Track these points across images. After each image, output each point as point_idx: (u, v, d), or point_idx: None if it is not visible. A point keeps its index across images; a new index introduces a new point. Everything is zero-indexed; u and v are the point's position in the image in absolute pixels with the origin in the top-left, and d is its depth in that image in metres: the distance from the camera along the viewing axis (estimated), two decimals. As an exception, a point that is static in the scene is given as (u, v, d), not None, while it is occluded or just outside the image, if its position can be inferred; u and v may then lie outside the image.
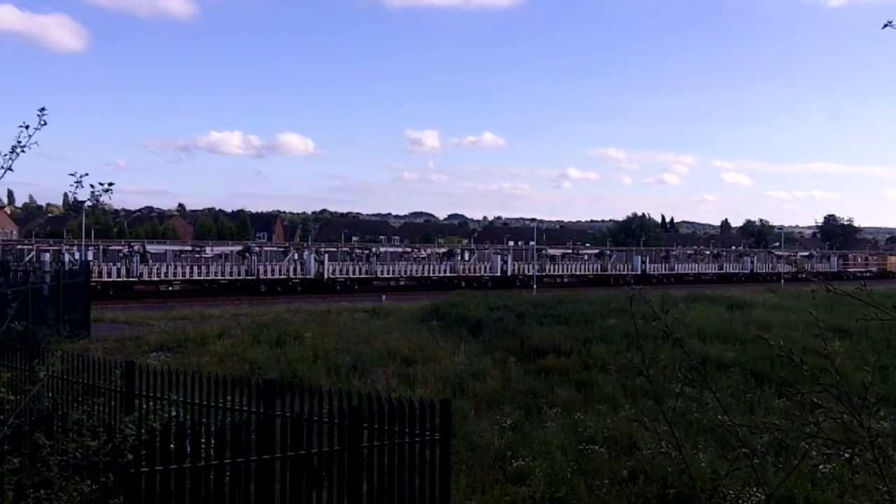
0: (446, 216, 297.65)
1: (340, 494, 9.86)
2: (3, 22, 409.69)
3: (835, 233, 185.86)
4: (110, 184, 6.93)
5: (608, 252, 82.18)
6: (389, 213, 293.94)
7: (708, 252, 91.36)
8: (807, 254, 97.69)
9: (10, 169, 6.65)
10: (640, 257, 79.38)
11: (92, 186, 6.86)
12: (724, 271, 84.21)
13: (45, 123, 6.63)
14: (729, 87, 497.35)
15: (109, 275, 51.75)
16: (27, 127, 6.59)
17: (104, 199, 6.98)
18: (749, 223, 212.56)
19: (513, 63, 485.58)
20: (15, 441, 8.00)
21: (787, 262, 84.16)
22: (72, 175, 6.79)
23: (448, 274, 65.79)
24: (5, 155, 6.62)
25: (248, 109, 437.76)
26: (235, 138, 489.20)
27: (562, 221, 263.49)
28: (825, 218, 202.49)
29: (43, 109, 6.67)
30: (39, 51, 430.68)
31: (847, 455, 4.96)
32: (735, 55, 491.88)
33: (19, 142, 6.58)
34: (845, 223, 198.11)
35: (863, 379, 4.95)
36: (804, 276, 57.92)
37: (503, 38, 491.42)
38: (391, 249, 73.82)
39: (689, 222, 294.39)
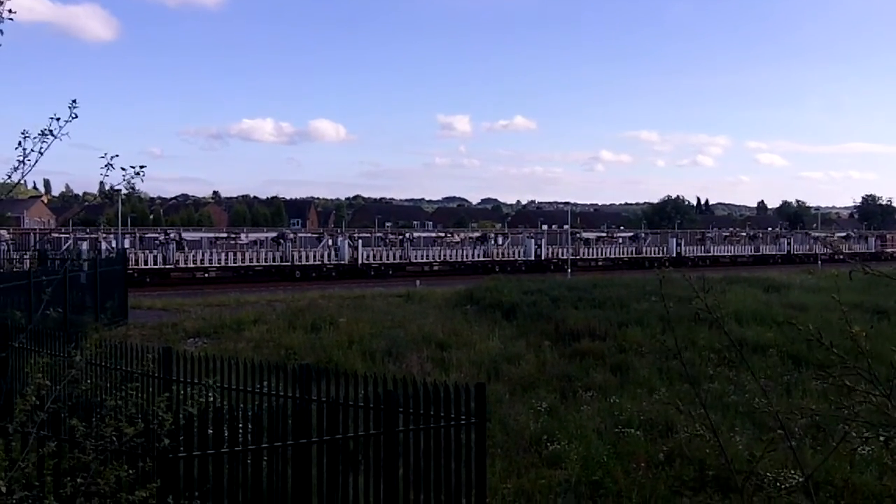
0: (479, 201, 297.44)
1: (377, 478, 9.90)
2: (34, 13, 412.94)
3: (873, 213, 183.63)
4: (142, 166, 6.96)
5: (643, 235, 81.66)
6: (422, 199, 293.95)
7: (744, 234, 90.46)
8: (844, 234, 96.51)
9: (41, 153, 6.71)
10: (675, 240, 78.69)
11: (123, 169, 6.90)
12: (760, 253, 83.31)
13: (76, 116, 6.67)
14: (762, 66, 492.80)
15: (146, 262, 52.14)
16: (58, 119, 6.64)
17: (136, 182, 7.02)
18: (786, 204, 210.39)
19: (543, 46, 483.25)
20: (54, 426, 8.09)
21: (823, 243, 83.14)
22: (102, 157, 6.83)
23: (482, 258, 65.66)
24: (34, 138, 6.68)
25: (279, 97, 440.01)
26: (268, 125, 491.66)
27: (596, 204, 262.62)
28: (863, 198, 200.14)
29: (74, 101, 6.71)
30: (71, 41, 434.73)
31: (884, 437, 4.91)
32: (768, 34, 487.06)
33: (50, 131, 6.63)
34: (884, 203, 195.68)
35: (892, 360, 4.88)
36: (841, 257, 57.19)
37: (533, 20, 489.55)
38: (424, 234, 73.77)
39: (724, 204, 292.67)
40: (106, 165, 6.83)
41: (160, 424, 7.72)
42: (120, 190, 7.41)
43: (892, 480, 10.70)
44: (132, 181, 7.00)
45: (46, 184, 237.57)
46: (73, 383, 8.32)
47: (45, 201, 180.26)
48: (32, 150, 6.72)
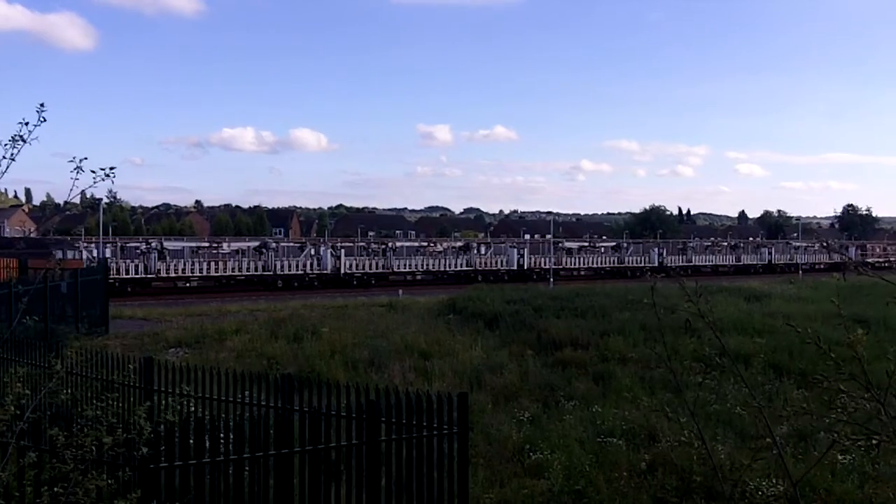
0: (462, 210, 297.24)
1: (359, 488, 9.86)
2: (11, 21, 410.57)
3: (853, 223, 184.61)
4: (112, 168, 6.93)
5: (625, 244, 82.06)
6: (405, 208, 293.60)
7: (725, 243, 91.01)
8: (824, 245, 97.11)
9: (13, 159, 6.67)
10: (657, 249, 79.17)
11: (93, 172, 6.85)
12: (741, 263, 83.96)
13: (45, 120, 6.64)
14: (739, 76, 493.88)
15: (127, 272, 51.99)
16: (26, 123, 6.61)
17: (108, 185, 6.97)
18: (766, 214, 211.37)
19: (522, 56, 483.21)
20: (34, 436, 8.03)
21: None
22: (71, 161, 6.78)
23: (464, 268, 65.82)
24: (6, 144, 6.64)
25: (259, 105, 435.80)
26: (248, 134, 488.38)
27: (578, 214, 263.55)
28: (844, 208, 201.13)
29: (42, 105, 6.69)
30: (49, 50, 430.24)
31: (874, 441, 4.93)
32: (745, 44, 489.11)
33: (21, 136, 6.60)
34: (863, 213, 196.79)
35: (885, 369, 4.91)
36: (822, 266, 57.47)
37: (511, 30, 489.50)
38: (407, 244, 73.85)
39: (706, 214, 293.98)
40: (75, 168, 6.78)
41: (140, 434, 7.66)
42: (101, 199, 7.39)
43: (873, 489, 10.74)
44: (109, 186, 6.95)
45: (27, 193, 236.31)
46: (53, 393, 8.26)
47: (27, 210, 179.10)
48: (4, 158, 6.69)
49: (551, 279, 60.42)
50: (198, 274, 54.97)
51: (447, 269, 65.36)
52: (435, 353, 22.51)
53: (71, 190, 6.91)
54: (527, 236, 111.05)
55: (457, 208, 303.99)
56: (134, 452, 7.83)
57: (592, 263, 73.75)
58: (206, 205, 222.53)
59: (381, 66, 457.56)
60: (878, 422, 5.02)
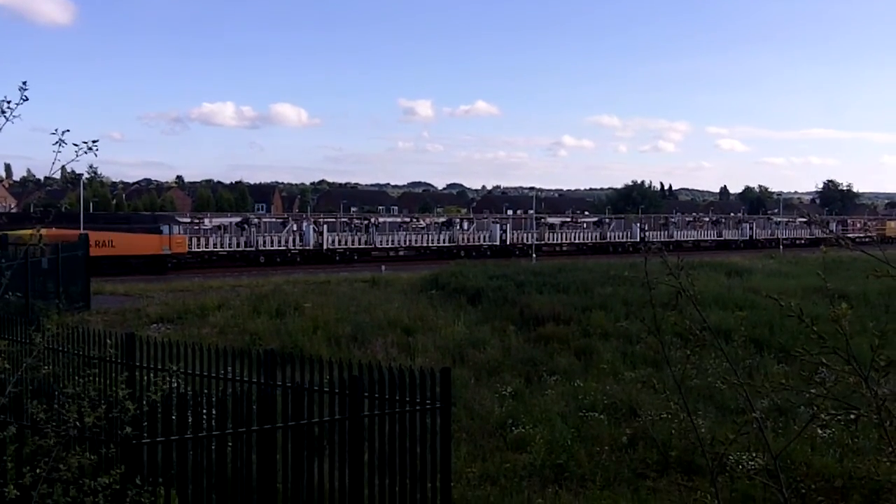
0: (445, 186, 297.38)
1: (342, 463, 9.88)
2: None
3: (834, 198, 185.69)
4: (94, 141, 6.86)
5: (607, 220, 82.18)
6: (388, 183, 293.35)
7: (707, 219, 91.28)
8: (805, 219, 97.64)
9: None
10: (638, 225, 79.29)
11: (76, 146, 6.79)
12: (723, 238, 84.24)
13: (27, 99, 6.57)
14: (720, 51, 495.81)
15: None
16: (8, 102, 6.54)
17: (90, 160, 6.93)
18: (748, 189, 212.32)
19: (503, 31, 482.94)
20: (16, 412, 8.00)
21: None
22: (54, 134, 6.71)
23: (447, 243, 65.78)
24: None
25: (238, 80, 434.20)
26: (228, 109, 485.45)
27: (560, 190, 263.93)
28: (825, 184, 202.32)
29: (25, 83, 6.61)
30: (26, 25, 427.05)
31: (853, 416, 4.98)
32: (726, 19, 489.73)
33: (1, 110, 6.53)
34: (844, 189, 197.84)
35: (870, 343, 4.94)
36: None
37: (492, 4, 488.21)
38: (390, 219, 73.84)
39: (688, 189, 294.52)
40: (58, 142, 6.71)
41: (122, 409, 7.64)
42: (82, 174, 7.34)
43: (852, 462, 10.85)
44: (90, 161, 6.94)
45: (7, 168, 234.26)
46: (34, 368, 8.23)
47: (6, 186, 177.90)
48: None
49: (534, 255, 60.51)
50: (179, 250, 54.71)
51: (430, 244, 65.33)
52: (418, 328, 22.54)
53: (53, 164, 6.83)
54: (509, 212, 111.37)
55: (439, 184, 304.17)
56: (119, 431, 7.82)
57: (575, 239, 73.88)
58: (187, 180, 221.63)
59: (361, 41, 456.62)
60: (857, 396, 5.06)
